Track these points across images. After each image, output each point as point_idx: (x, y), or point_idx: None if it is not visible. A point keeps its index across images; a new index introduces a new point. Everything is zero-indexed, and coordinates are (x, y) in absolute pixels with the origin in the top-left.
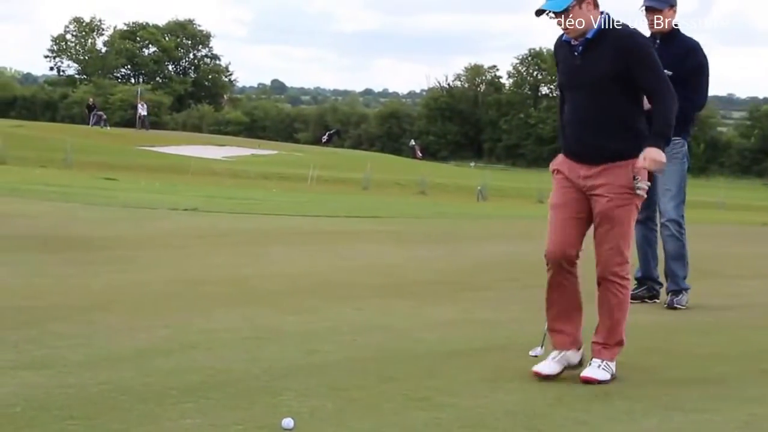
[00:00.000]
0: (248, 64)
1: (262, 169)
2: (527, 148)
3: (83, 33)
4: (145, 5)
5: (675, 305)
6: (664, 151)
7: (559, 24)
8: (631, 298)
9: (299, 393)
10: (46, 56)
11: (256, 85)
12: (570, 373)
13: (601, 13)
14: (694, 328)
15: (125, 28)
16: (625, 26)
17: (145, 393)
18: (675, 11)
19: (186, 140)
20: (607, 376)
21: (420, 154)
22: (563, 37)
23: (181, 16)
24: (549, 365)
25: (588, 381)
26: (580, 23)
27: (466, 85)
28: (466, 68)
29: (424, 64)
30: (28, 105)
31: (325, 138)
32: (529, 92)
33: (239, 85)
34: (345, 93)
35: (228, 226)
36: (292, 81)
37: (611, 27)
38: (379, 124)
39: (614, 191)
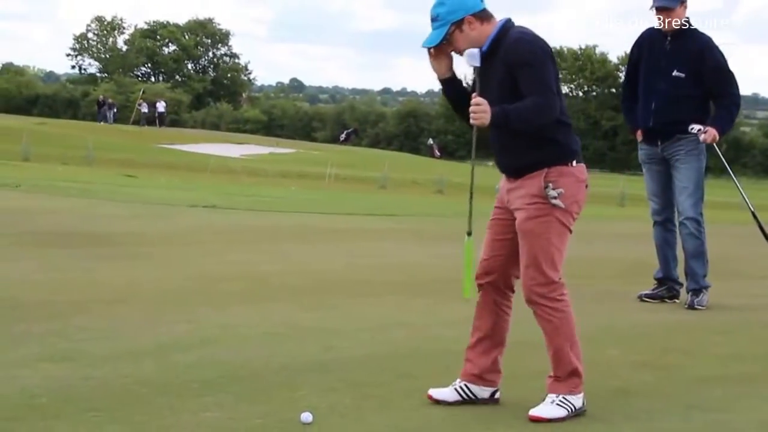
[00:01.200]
0: (267, 62)
1: (281, 167)
2: None
3: (105, 32)
4: (166, 4)
5: (696, 306)
6: (493, 117)
7: (446, 51)
8: (652, 298)
9: (317, 388)
10: (68, 55)
11: (274, 84)
12: (590, 370)
13: (499, 24)
14: (715, 328)
15: (146, 26)
16: (515, 34)
17: (165, 386)
18: (686, 7)
19: (205, 138)
20: (562, 412)
21: (438, 153)
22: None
23: (202, 15)
24: (446, 392)
25: (535, 420)
26: (465, 46)
27: None
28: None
29: None
30: (50, 103)
31: (343, 137)
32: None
33: (258, 83)
34: (363, 92)
35: (246, 223)
36: (310, 80)
37: (503, 36)
38: (398, 123)
39: (527, 202)
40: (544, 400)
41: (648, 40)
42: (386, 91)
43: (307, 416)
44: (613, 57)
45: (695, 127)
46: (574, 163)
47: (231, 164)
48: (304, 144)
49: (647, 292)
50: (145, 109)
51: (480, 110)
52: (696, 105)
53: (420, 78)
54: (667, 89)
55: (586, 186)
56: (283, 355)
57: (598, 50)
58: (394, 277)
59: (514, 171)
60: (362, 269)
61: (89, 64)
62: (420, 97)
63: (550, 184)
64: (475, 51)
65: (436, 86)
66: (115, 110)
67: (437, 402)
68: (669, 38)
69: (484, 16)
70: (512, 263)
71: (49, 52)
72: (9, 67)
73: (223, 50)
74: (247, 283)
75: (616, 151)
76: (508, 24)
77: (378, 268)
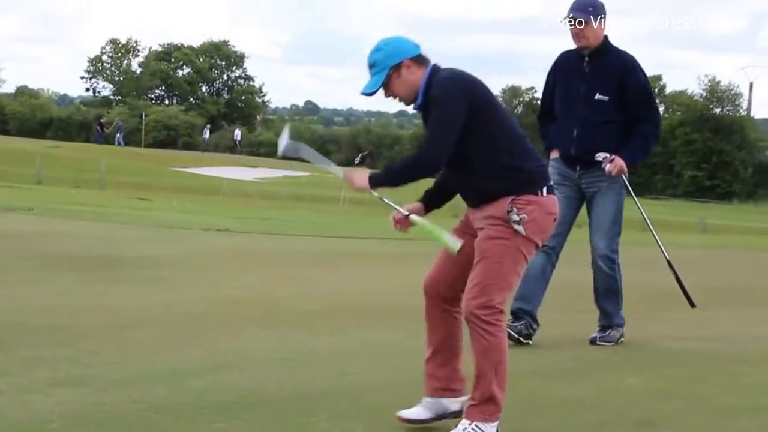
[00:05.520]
0: (282, 85)
1: (294, 190)
2: None
3: (119, 54)
4: (181, 26)
5: (599, 342)
6: (370, 182)
7: (389, 97)
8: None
9: (331, 414)
10: (83, 77)
11: (289, 107)
12: (610, 395)
13: (428, 70)
14: (743, 358)
15: (160, 49)
16: (440, 77)
17: (178, 412)
18: (604, 23)
19: (218, 161)
20: None
21: None
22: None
23: (216, 38)
24: (416, 410)
25: None
26: (404, 92)
27: (504, 107)
28: (503, 89)
29: None
30: (64, 126)
31: (358, 160)
32: None
33: (273, 106)
34: (378, 114)
35: (260, 246)
36: (325, 102)
37: (430, 83)
38: (413, 145)
39: (489, 222)
40: (456, 425)
41: (564, 64)
42: (402, 114)
43: None
44: None
45: (601, 155)
46: (545, 191)
47: (245, 187)
48: (318, 167)
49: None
50: (239, 137)
51: (350, 182)
52: (619, 130)
53: None
54: (589, 115)
55: (555, 219)
56: (296, 381)
57: None
58: (408, 301)
59: (479, 201)
60: (376, 294)
61: (103, 87)
62: None
63: (514, 209)
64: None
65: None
66: (123, 132)
67: (409, 422)
68: (587, 59)
69: (420, 60)
70: (465, 278)
71: (63, 75)
72: (23, 90)
73: (238, 72)
74: (261, 308)
75: None
76: (435, 68)
77: (392, 293)
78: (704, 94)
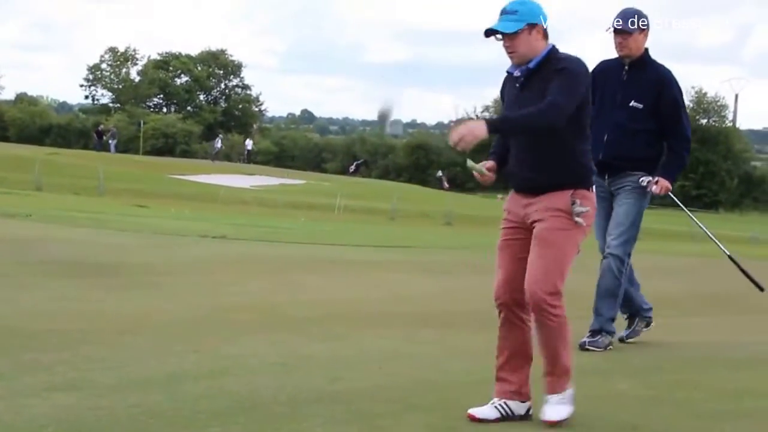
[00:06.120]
0: (278, 94)
1: (290, 198)
2: None
3: (118, 62)
4: (179, 35)
5: (588, 347)
6: (488, 128)
7: (506, 47)
8: (634, 336)
9: (325, 419)
10: (82, 85)
11: (285, 115)
12: (599, 402)
13: (550, 45)
14: (726, 363)
15: (158, 57)
16: (567, 55)
17: (173, 417)
18: (646, 35)
19: (215, 169)
20: (568, 409)
21: (447, 185)
22: (508, 69)
23: (214, 47)
24: (485, 410)
25: (552, 424)
26: (525, 49)
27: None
28: (495, 99)
29: (452, 95)
30: (63, 133)
31: (352, 168)
32: None
33: (269, 114)
34: (373, 123)
35: (256, 253)
36: (321, 111)
37: (553, 56)
38: (407, 154)
39: (549, 213)
40: (547, 401)
41: (602, 72)
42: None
43: None
44: None
45: (645, 180)
46: (593, 189)
47: (241, 195)
48: (313, 175)
49: (627, 332)
50: (250, 146)
51: (461, 133)
52: (650, 140)
53: (429, 110)
54: (623, 121)
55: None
56: (291, 386)
57: None
58: (402, 308)
59: (538, 189)
60: (370, 300)
61: (102, 95)
62: (429, 129)
63: (578, 201)
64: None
65: (446, 119)
66: (116, 140)
67: (479, 421)
68: (626, 68)
69: (546, 33)
70: None
71: (62, 83)
72: (23, 97)
73: (235, 81)
74: (256, 314)
75: None
76: (554, 47)
77: (386, 300)
78: (691, 105)
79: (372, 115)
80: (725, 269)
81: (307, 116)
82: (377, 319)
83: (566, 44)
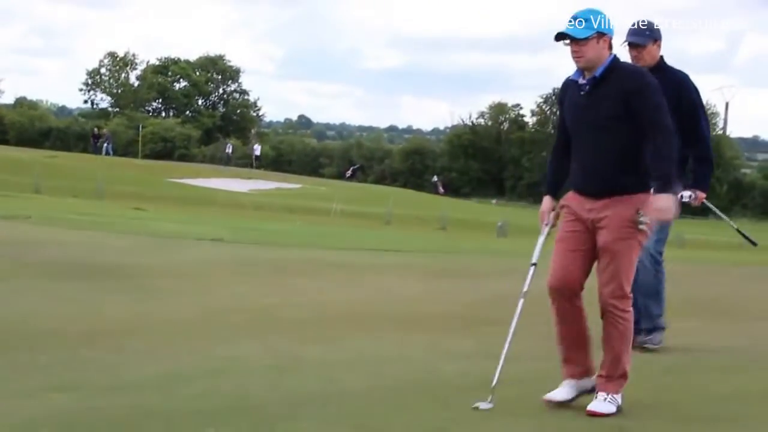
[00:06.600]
0: (276, 99)
1: (287, 202)
2: None
3: (117, 67)
4: (178, 40)
5: (646, 345)
6: (672, 192)
7: (574, 51)
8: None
9: (318, 420)
10: (81, 89)
11: (283, 120)
12: (585, 405)
13: (613, 55)
14: (711, 368)
15: (157, 62)
16: (631, 64)
17: (168, 417)
18: (659, 45)
19: (213, 173)
20: (612, 408)
21: (442, 190)
22: (571, 77)
23: (212, 52)
24: (562, 391)
25: (593, 414)
26: (592, 55)
27: (490, 123)
28: (490, 106)
29: (448, 101)
30: (62, 136)
31: (349, 173)
32: (552, 131)
33: (267, 119)
34: (370, 129)
35: (252, 256)
36: (318, 116)
37: (618, 66)
38: (403, 159)
39: (616, 224)
40: (596, 396)
41: None
42: (392, 129)
43: None
44: None
45: (685, 195)
46: (651, 191)
47: (239, 199)
48: (310, 179)
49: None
50: (258, 152)
51: (665, 207)
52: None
53: (425, 116)
54: None
55: None
56: (285, 388)
57: None
58: (396, 311)
59: (603, 193)
60: (365, 303)
61: (101, 99)
62: (425, 134)
63: (641, 212)
64: None
65: (442, 124)
66: (111, 143)
67: (558, 403)
68: None
69: (611, 44)
70: (585, 272)
71: (62, 87)
72: (22, 101)
73: (233, 86)
74: (252, 316)
75: None
76: (617, 57)
77: (380, 303)
78: None
79: (369, 121)
80: (713, 275)
81: (304, 121)
82: (370, 322)
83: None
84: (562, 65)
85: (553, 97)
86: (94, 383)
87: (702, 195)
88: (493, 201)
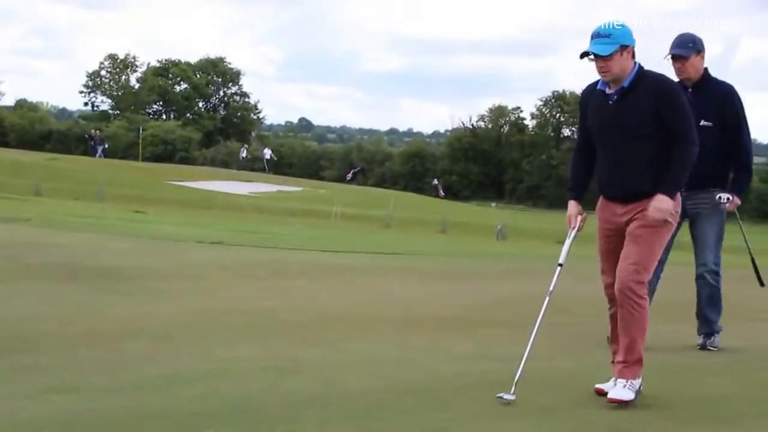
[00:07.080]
0: (277, 102)
1: (287, 204)
2: (548, 190)
3: (117, 69)
4: (179, 43)
5: (708, 347)
6: (674, 198)
7: (600, 66)
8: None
9: (317, 422)
10: (81, 92)
11: (283, 123)
12: (583, 406)
13: (638, 63)
14: (709, 369)
15: (158, 65)
16: (656, 73)
17: (168, 418)
18: (703, 56)
19: (214, 176)
20: (631, 395)
21: (442, 193)
22: (597, 86)
23: (213, 55)
24: (611, 385)
25: (615, 402)
26: (618, 68)
27: (490, 126)
28: (490, 109)
29: (448, 104)
30: (63, 139)
31: (349, 176)
32: (552, 134)
33: (267, 122)
34: (371, 132)
35: (252, 259)
36: (318, 119)
37: (644, 75)
38: (403, 162)
39: (643, 213)
40: (615, 383)
41: None
42: (393, 132)
43: None
44: None
45: (723, 197)
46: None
47: (239, 201)
48: (310, 182)
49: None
50: (267, 156)
51: (664, 208)
52: (722, 154)
53: (426, 119)
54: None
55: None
56: (285, 389)
57: None
58: (395, 313)
59: (633, 197)
60: (364, 306)
61: (102, 101)
62: (425, 137)
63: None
64: None
65: (442, 127)
66: (105, 146)
67: (618, 403)
68: (690, 90)
69: (634, 53)
70: None
71: (62, 89)
72: (23, 103)
73: (234, 89)
74: (252, 318)
75: None
76: (641, 65)
77: (380, 305)
78: None
79: (369, 124)
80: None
81: (305, 124)
82: (370, 324)
83: (563, 54)
84: (561, 68)
85: (553, 101)
86: (95, 385)
87: (737, 201)
88: (493, 204)
